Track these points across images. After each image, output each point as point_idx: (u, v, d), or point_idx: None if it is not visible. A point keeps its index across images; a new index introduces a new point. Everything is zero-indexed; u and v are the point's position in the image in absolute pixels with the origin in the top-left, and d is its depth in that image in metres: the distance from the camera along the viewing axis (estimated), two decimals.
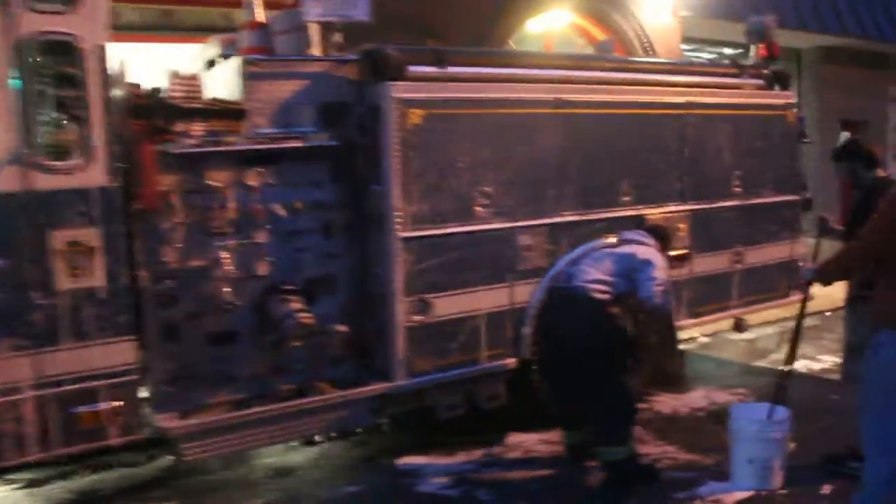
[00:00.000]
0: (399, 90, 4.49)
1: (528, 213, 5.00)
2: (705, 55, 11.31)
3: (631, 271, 4.48)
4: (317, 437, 5.22)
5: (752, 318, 6.52)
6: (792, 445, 4.63)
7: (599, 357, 4.39)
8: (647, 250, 4.62)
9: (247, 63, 4.41)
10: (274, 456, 5.13)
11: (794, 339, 4.42)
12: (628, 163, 5.40)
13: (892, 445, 3.35)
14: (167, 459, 4.90)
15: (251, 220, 4.42)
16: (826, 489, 4.30)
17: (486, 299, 4.90)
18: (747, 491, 4.28)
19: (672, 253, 5.59)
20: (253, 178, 4.41)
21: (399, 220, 4.54)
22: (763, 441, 4.29)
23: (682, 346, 7.04)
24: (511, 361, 5.01)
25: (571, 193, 5.17)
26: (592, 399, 4.46)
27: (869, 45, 12.44)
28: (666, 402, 5.83)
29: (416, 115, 4.55)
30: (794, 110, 6.39)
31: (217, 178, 4.31)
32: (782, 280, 6.40)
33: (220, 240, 4.35)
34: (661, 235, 4.88)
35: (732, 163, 5.97)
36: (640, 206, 5.48)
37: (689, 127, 5.68)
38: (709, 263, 5.90)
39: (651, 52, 6.62)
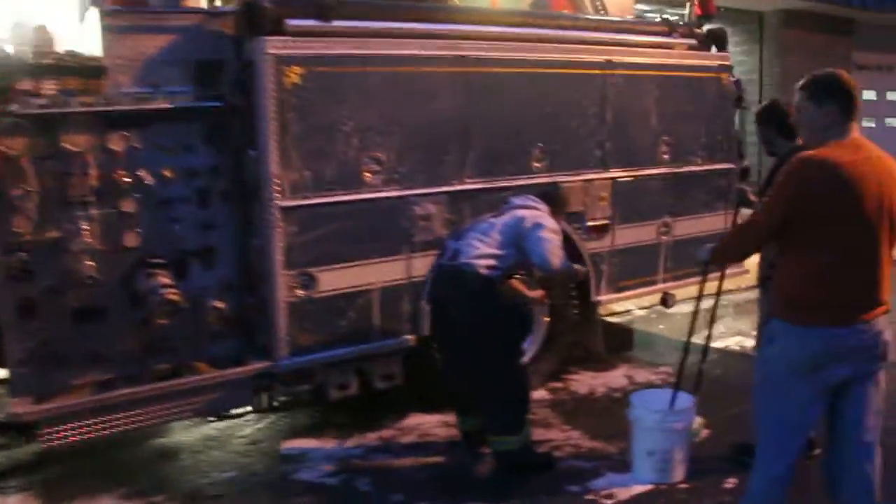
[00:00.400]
0: (275, 46, 4.11)
1: (425, 180, 4.64)
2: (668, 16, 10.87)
3: (519, 239, 4.13)
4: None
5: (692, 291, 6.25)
6: (704, 433, 4.36)
7: (487, 340, 4.06)
8: (535, 214, 4.25)
9: (105, 15, 4.03)
10: (167, 436, 4.84)
11: (692, 323, 4.10)
12: (541, 127, 5.04)
13: (789, 446, 2.98)
14: (32, 445, 4.58)
15: (115, 188, 4.06)
16: (730, 483, 3.99)
17: (378, 273, 4.58)
18: (646, 485, 3.98)
19: (591, 224, 5.31)
20: (116, 143, 4.03)
21: (277, 188, 4.20)
22: (663, 432, 3.97)
23: (617, 321, 6.77)
24: (409, 339, 4.70)
25: (475, 159, 4.81)
26: (481, 384, 4.16)
27: (832, 9, 12.04)
28: (584, 381, 5.54)
29: (294, 74, 4.18)
30: (730, 73, 6.02)
31: (74, 142, 3.95)
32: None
33: (81, 209, 3.99)
34: (553, 199, 4.53)
35: (660, 128, 5.61)
36: (555, 174, 5.13)
37: (611, 88, 5.31)
38: (633, 235, 5.58)
39: (603, 11, 6.21)
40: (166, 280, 4.08)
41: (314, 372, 4.57)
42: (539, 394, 5.26)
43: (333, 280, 4.45)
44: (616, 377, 5.58)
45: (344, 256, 4.46)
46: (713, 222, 5.96)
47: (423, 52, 4.56)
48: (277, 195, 4.20)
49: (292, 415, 5.08)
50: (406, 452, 4.46)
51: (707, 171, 5.91)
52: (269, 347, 4.38)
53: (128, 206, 4.08)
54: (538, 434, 4.59)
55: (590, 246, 5.38)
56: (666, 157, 5.67)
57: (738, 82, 6.06)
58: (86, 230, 4.01)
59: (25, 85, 3.82)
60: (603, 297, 5.53)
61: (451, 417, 4.68)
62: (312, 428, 4.83)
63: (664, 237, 5.76)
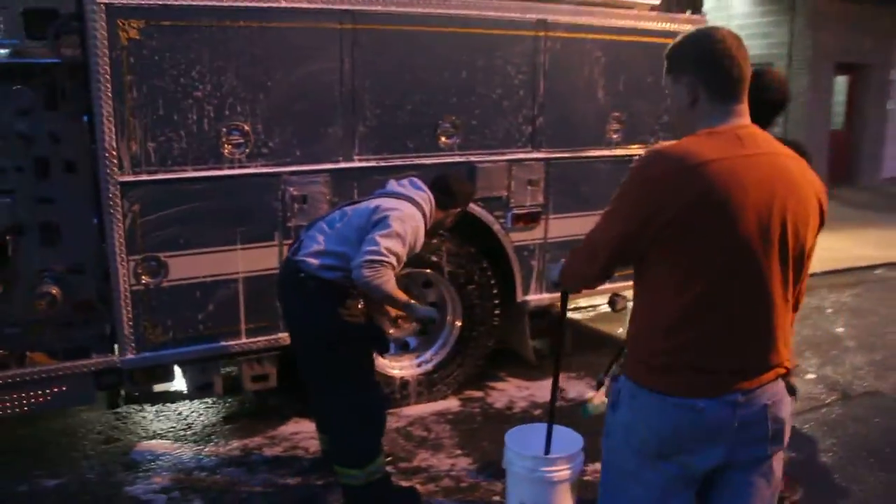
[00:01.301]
0: None
1: (302, 155, 4.02)
2: None
3: (363, 234, 3.29)
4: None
5: None
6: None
7: (323, 355, 3.33)
8: (398, 204, 3.33)
9: None
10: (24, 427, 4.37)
11: (556, 367, 3.11)
12: (452, 97, 4.34)
13: None
14: None
15: None
16: None
17: (244, 261, 3.99)
18: None
19: (517, 212, 4.60)
20: None
21: (114, 161, 3.64)
22: (536, 483, 3.16)
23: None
24: (283, 337, 4.11)
25: (367, 132, 4.15)
26: (322, 406, 3.54)
27: None
28: (506, 392, 4.87)
29: (132, 28, 3.59)
30: None
31: None
32: None
33: None
34: (442, 188, 3.58)
35: (610, 103, 4.84)
36: (469, 152, 4.44)
37: (545, 54, 4.57)
38: (572, 226, 4.83)
39: None
40: None
41: (168, 370, 4.05)
42: (446, 404, 4.63)
43: (187, 267, 3.88)
44: (544, 388, 4.88)
45: (200, 241, 3.88)
46: None
47: (297, 5, 3.90)
48: (114, 169, 3.65)
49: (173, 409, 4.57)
50: (261, 468, 3.89)
51: None
52: (115, 340, 3.87)
53: None
54: (422, 458, 3.98)
55: (515, 238, 4.68)
56: (616, 137, 4.90)
57: None
58: None
59: None
60: (532, 298, 4.83)
61: None
62: (178, 428, 4.30)
63: None
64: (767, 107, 3.01)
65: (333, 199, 4.09)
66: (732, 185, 1.85)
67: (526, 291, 4.80)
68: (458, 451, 4.08)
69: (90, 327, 3.97)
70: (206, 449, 4.09)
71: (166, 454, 4.04)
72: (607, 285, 4.88)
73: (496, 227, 4.60)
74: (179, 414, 4.50)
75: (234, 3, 3.76)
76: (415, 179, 3.59)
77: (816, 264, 2.29)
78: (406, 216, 3.30)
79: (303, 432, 4.24)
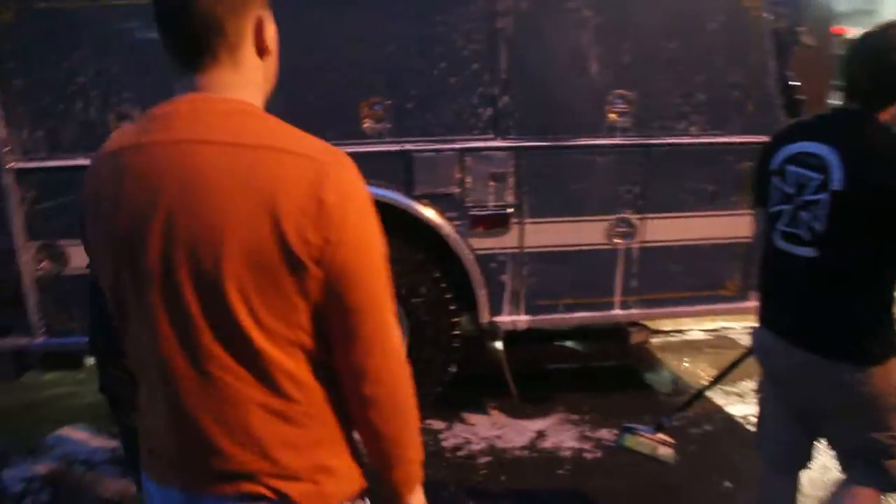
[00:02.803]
0: None
1: None
2: None
3: None
4: None
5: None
6: None
7: None
8: None
9: None
10: None
11: None
12: (381, 73, 3.62)
13: None
14: None
15: None
16: None
17: None
18: None
19: (476, 213, 3.79)
20: None
21: (6, 147, 3.63)
22: None
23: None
24: None
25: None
26: None
27: None
28: (472, 429, 4.02)
29: (6, 11, 3.52)
30: None
31: None
32: (726, 270, 3.96)
33: None
34: None
35: (608, 78, 3.69)
36: (405, 139, 3.69)
37: (506, 17, 3.60)
38: (561, 234, 3.83)
39: None
40: None
41: (81, 355, 4.01)
42: None
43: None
44: (527, 432, 3.97)
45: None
46: (720, 225, 3.86)
47: None
48: (8, 156, 3.64)
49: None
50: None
51: (707, 145, 3.78)
52: (28, 323, 3.92)
53: None
54: None
55: (477, 244, 3.82)
56: (621, 122, 3.74)
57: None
58: None
59: None
60: (504, 319, 3.93)
61: None
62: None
63: (622, 241, 3.87)
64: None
65: None
66: (132, 188, 1.27)
67: (496, 311, 3.92)
68: None
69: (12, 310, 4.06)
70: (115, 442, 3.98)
71: (71, 442, 4.01)
72: (616, 311, 3.93)
73: (446, 230, 3.80)
74: None
75: None
76: None
77: None
78: None
79: None
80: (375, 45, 3.60)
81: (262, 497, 1.31)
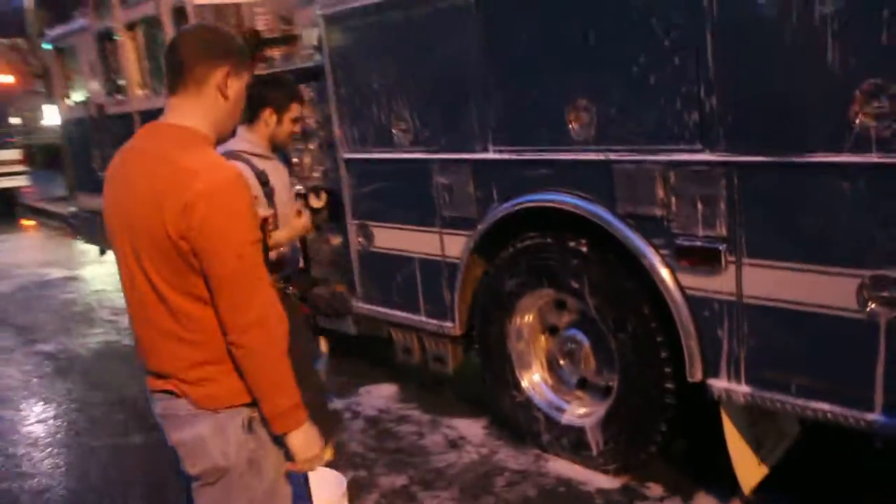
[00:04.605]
0: None
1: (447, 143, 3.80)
2: None
3: None
4: None
5: None
6: None
7: None
8: None
9: None
10: None
11: None
12: (582, 66, 3.11)
13: None
14: None
15: None
16: None
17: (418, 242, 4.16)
18: None
19: (683, 242, 3.11)
20: None
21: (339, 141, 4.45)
22: None
23: None
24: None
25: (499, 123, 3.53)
26: None
27: None
28: None
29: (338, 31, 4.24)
30: None
31: None
32: None
33: None
34: None
35: (860, 70, 2.38)
36: (607, 148, 3.12)
37: None
38: (793, 286, 2.72)
39: None
40: None
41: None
42: (553, 469, 3.53)
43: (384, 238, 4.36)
44: None
45: (387, 216, 4.29)
46: None
47: None
48: (341, 148, 4.46)
49: None
50: None
51: None
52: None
53: None
54: None
55: (687, 282, 3.02)
56: (880, 132, 2.39)
57: None
58: None
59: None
60: (718, 384, 2.99)
61: None
62: None
63: (884, 310, 2.51)
64: None
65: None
66: (114, 180, 1.98)
67: (710, 371, 3.04)
68: None
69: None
70: None
71: None
72: None
73: (650, 260, 3.10)
74: None
75: None
76: None
77: None
78: None
79: None
80: (575, 37, 3.16)
81: (172, 393, 1.96)
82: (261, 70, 4.94)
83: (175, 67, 1.91)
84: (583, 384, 3.77)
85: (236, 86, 1.97)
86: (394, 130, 4.07)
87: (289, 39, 5.22)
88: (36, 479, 4.09)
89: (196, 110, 1.92)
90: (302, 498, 2.50)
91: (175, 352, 1.93)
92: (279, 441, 2.01)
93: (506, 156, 3.56)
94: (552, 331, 3.83)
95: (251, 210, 1.87)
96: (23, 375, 5.81)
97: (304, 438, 1.97)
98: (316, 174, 4.75)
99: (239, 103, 2.02)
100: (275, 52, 5.21)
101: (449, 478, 3.64)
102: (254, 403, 1.95)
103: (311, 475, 2.57)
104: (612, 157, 3.15)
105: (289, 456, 2.01)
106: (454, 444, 3.96)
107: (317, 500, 2.69)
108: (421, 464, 3.79)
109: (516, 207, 3.56)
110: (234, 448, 1.97)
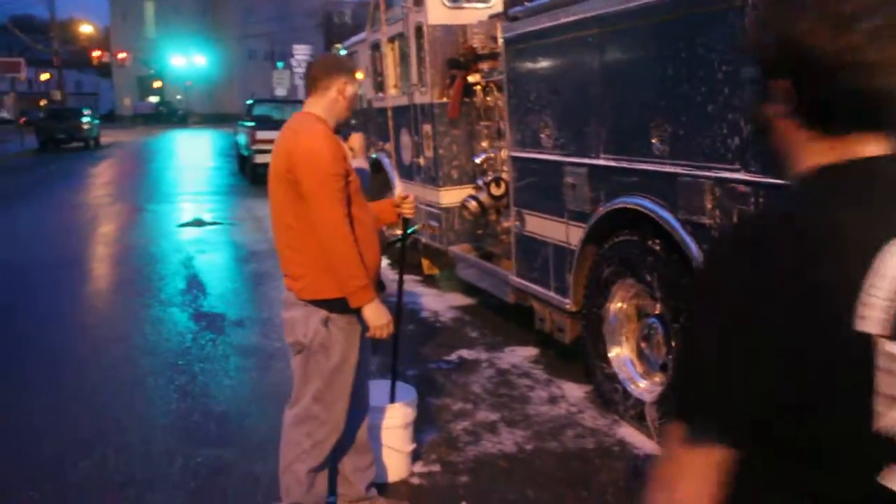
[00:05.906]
0: None
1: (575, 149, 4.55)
2: None
3: None
4: None
5: None
6: None
7: None
8: None
9: None
10: None
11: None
12: (660, 92, 3.68)
13: None
14: None
15: None
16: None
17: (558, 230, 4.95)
18: None
19: None
20: None
21: (509, 142, 5.36)
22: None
23: None
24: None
25: (607, 134, 4.20)
26: None
27: None
28: None
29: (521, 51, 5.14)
30: None
31: None
32: None
33: None
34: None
35: None
36: (674, 162, 3.67)
37: None
38: None
39: None
40: None
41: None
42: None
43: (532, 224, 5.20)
44: None
45: (538, 207, 5.11)
46: None
47: None
48: (511, 148, 5.38)
49: None
50: None
51: None
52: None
53: None
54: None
55: None
56: None
57: None
58: None
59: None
60: None
61: None
62: None
63: None
64: None
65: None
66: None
67: None
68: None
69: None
70: None
71: None
72: None
73: (696, 262, 3.62)
74: None
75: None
76: None
77: None
78: None
79: None
80: (656, 69, 3.78)
81: (291, 288, 3.03)
82: (476, 78, 6.07)
83: (310, 79, 3.05)
84: (665, 368, 4.32)
85: (349, 90, 3.05)
86: (541, 135, 4.91)
87: (496, 56, 6.20)
88: None
89: (319, 105, 3.04)
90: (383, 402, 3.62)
91: (289, 256, 3.00)
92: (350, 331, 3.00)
93: (611, 163, 4.25)
94: (640, 316, 4.41)
95: (327, 156, 2.83)
96: None
97: (374, 310, 2.94)
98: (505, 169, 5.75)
99: (352, 102, 3.10)
100: (484, 66, 6.26)
101: (531, 422, 4.41)
102: (333, 307, 2.95)
103: (391, 385, 3.62)
104: (679, 170, 3.72)
105: (365, 328, 3.00)
106: (553, 400, 4.71)
107: (393, 403, 3.67)
108: (518, 409, 4.60)
109: (614, 207, 4.23)
110: (311, 332, 2.99)
